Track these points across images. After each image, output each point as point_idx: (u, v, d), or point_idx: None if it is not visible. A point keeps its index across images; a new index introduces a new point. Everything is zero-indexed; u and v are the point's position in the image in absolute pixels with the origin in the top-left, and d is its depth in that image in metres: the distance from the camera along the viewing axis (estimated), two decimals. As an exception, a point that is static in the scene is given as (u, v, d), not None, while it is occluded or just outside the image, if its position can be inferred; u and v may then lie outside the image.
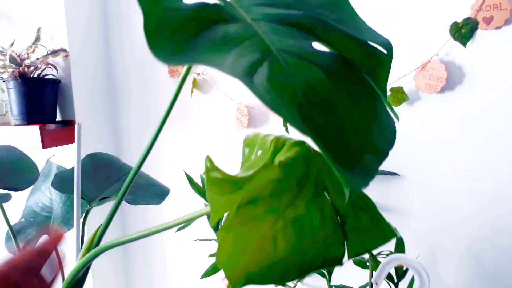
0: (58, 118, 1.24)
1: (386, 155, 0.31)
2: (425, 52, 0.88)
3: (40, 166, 1.01)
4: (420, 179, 0.92)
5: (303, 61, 0.32)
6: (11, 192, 0.72)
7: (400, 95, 0.89)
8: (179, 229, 1.06)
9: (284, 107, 0.25)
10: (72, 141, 1.22)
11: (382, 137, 0.32)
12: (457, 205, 0.89)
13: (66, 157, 1.19)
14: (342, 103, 0.32)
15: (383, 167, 0.95)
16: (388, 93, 0.91)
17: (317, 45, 0.35)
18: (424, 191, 0.92)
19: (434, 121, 0.89)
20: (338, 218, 0.36)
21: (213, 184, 0.34)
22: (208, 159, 0.35)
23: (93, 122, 1.30)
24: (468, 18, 0.82)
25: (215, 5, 0.31)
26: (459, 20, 0.83)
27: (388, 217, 0.95)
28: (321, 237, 0.36)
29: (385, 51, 0.38)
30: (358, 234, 0.35)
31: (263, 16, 0.36)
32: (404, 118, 0.92)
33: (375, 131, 0.32)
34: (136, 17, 1.28)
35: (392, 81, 0.91)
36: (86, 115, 1.27)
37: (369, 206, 0.36)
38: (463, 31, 0.83)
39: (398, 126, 0.92)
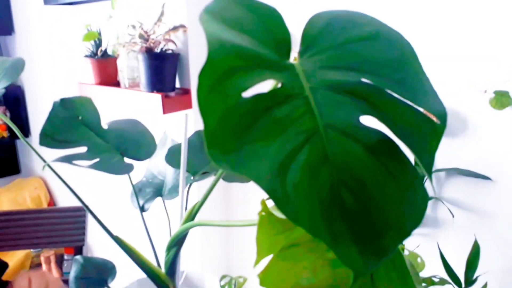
0: (177, 85, 1.41)
1: (409, 234, 0.35)
2: (544, 55, 0.79)
3: (159, 129, 1.19)
4: (515, 188, 0.87)
5: (347, 138, 0.37)
6: (134, 162, 0.89)
7: (505, 99, 0.83)
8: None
9: (304, 212, 0.31)
10: (187, 107, 1.39)
11: (411, 216, 0.35)
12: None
13: (180, 122, 1.36)
14: (378, 181, 0.36)
15: (476, 168, 0.91)
16: (492, 95, 0.85)
17: (367, 118, 0.39)
18: (519, 201, 0.87)
19: (543, 131, 0.82)
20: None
21: (265, 223, 0.42)
22: (263, 202, 0.42)
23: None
24: None
25: (270, 92, 0.36)
26: None
27: (473, 218, 0.93)
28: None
29: (438, 121, 0.39)
30: (387, 285, 0.40)
31: (322, 83, 0.40)
32: (506, 122, 0.86)
33: (406, 210, 0.36)
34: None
35: (500, 82, 0.84)
36: (200, 83, 1.41)
37: (401, 265, 0.40)
38: None
39: (497, 129, 0.86)
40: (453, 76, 0.91)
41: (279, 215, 0.41)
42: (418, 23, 0.95)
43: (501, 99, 0.83)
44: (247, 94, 0.36)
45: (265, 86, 0.43)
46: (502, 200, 0.89)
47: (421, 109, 0.40)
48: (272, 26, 0.42)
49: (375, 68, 0.42)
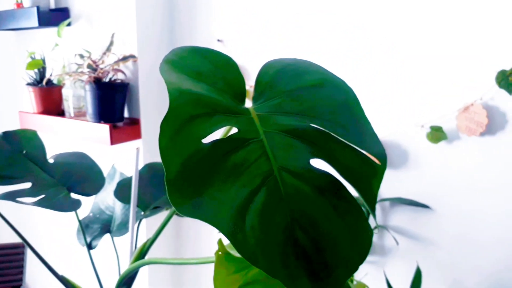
0: (126, 115, 1.39)
1: (357, 269, 0.38)
2: (470, 94, 0.88)
3: (107, 161, 1.16)
4: (451, 216, 0.94)
5: (299, 179, 0.39)
6: (81, 198, 0.87)
7: (439, 134, 0.91)
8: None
9: (262, 254, 0.33)
10: (136, 138, 1.37)
11: (358, 252, 0.38)
12: (487, 247, 0.91)
13: (129, 154, 1.34)
14: (328, 220, 0.38)
15: (416, 197, 0.98)
16: (428, 130, 0.93)
17: (316, 160, 0.42)
18: (455, 228, 0.94)
19: (471, 162, 0.90)
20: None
21: (221, 263, 0.43)
22: (220, 242, 0.44)
23: (157, 120, 1.44)
24: (516, 67, 0.81)
25: (228, 138, 0.39)
26: (508, 68, 0.82)
27: (415, 245, 0.99)
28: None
29: (379, 162, 0.43)
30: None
31: (275, 127, 0.43)
32: (441, 155, 0.94)
33: (353, 246, 0.38)
34: (200, 27, 1.38)
35: (435, 118, 0.93)
36: (151, 113, 1.41)
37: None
38: (510, 79, 0.82)
39: (434, 161, 0.92)
40: (395, 111, 0.99)
41: (236, 253, 0.43)
42: (364, 62, 1.03)
43: (436, 134, 0.91)
44: (206, 140, 0.38)
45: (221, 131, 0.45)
46: (441, 227, 0.96)
47: (364, 151, 0.44)
48: (228, 74, 0.45)
49: (321, 113, 0.46)
